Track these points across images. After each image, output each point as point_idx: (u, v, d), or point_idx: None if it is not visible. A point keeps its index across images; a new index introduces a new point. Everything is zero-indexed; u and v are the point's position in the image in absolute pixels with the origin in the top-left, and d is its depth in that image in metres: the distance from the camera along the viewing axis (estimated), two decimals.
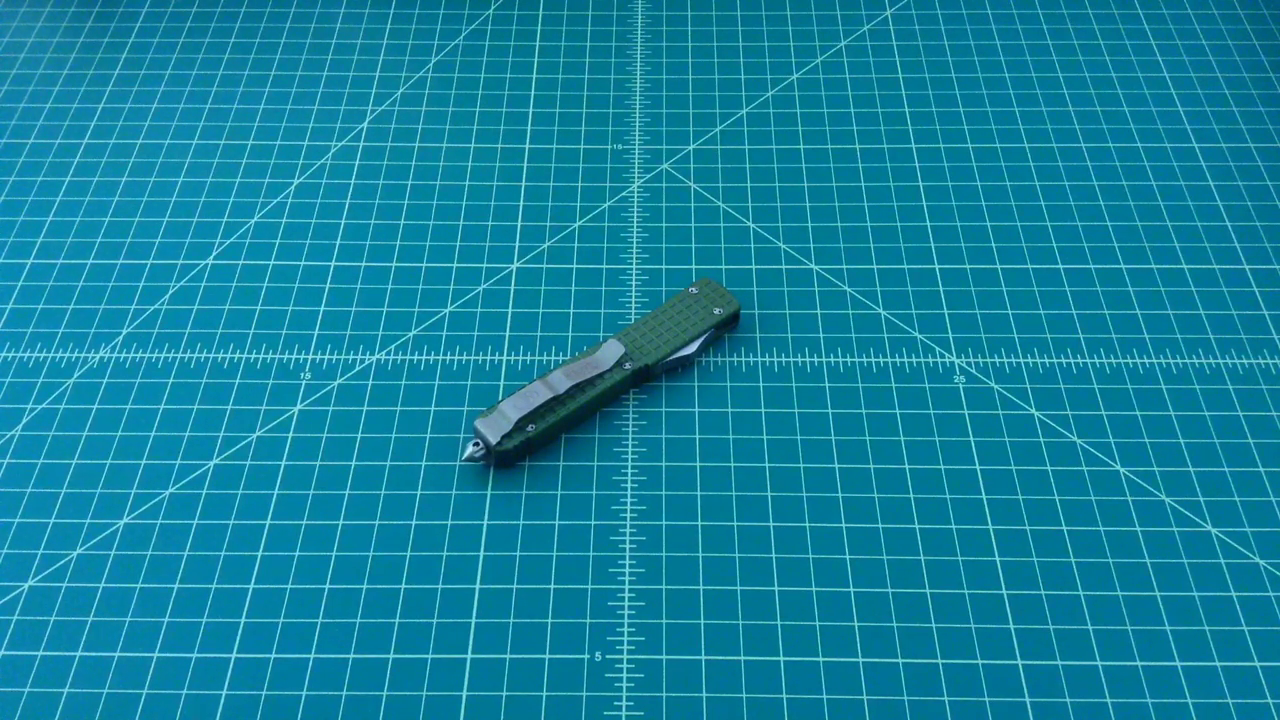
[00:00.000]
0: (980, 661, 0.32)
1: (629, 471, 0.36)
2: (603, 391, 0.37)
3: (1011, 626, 0.33)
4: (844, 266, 0.42)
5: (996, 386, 0.38)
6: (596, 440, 0.37)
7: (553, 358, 0.39)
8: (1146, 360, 0.39)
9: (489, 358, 0.39)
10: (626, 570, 0.34)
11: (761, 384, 0.38)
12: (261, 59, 0.50)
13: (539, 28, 0.51)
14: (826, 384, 0.38)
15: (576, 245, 0.42)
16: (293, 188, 0.45)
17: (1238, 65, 0.49)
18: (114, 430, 0.37)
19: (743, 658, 0.32)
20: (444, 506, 0.35)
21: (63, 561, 0.34)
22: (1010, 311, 0.40)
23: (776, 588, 0.34)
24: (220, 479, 0.36)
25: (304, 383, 0.39)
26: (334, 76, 0.49)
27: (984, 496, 0.36)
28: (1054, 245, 0.42)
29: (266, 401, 0.38)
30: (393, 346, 0.39)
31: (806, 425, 0.37)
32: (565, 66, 0.49)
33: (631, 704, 0.31)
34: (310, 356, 0.39)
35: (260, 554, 0.34)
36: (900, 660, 0.32)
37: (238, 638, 0.33)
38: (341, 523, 0.35)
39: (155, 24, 0.52)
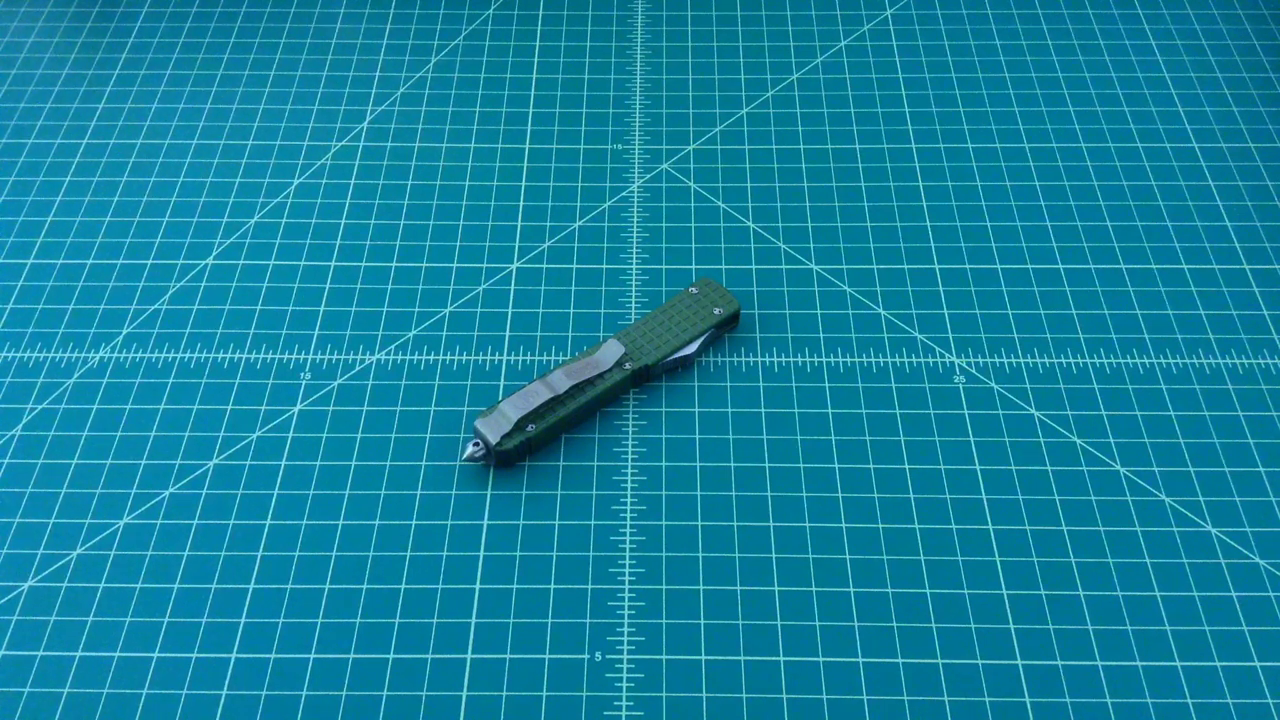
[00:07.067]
0: (980, 661, 0.32)
1: (629, 471, 0.36)
2: (603, 391, 0.37)
3: (1011, 626, 0.33)
4: (844, 266, 0.42)
5: (996, 386, 0.38)
6: (596, 440, 0.37)
7: (553, 358, 0.39)
8: (1146, 360, 0.39)
9: (489, 358, 0.39)
10: (626, 570, 0.34)
11: (761, 384, 0.38)
12: (261, 59, 0.50)
13: (539, 28, 0.51)
14: (826, 384, 0.38)
15: (576, 245, 0.42)
16: (293, 188, 0.45)
17: (1238, 65, 0.49)
18: (114, 430, 0.37)
19: (743, 658, 0.32)
20: (444, 506, 0.35)
21: (63, 561, 0.34)
22: (1010, 311, 0.40)
23: (776, 588, 0.34)
24: (220, 479, 0.36)
25: (304, 383, 0.39)
26: (334, 76, 0.49)
27: (984, 496, 0.36)
28: (1054, 245, 0.42)
29: (266, 401, 0.38)
30: (393, 346, 0.39)
31: (806, 425, 0.37)
32: (565, 66, 0.49)
33: (631, 704, 0.31)
34: (310, 356, 0.39)
35: (260, 554, 0.34)
36: (900, 660, 0.32)
37: (238, 638, 0.33)
38: (341, 523, 0.35)
39: (155, 24, 0.52)
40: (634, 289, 0.41)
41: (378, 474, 0.36)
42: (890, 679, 0.32)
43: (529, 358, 0.39)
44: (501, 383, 0.38)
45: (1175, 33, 0.50)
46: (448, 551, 0.34)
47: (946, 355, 0.39)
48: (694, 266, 0.42)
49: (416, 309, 0.41)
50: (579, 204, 0.44)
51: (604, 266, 0.42)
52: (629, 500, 0.36)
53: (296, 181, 0.45)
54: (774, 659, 0.32)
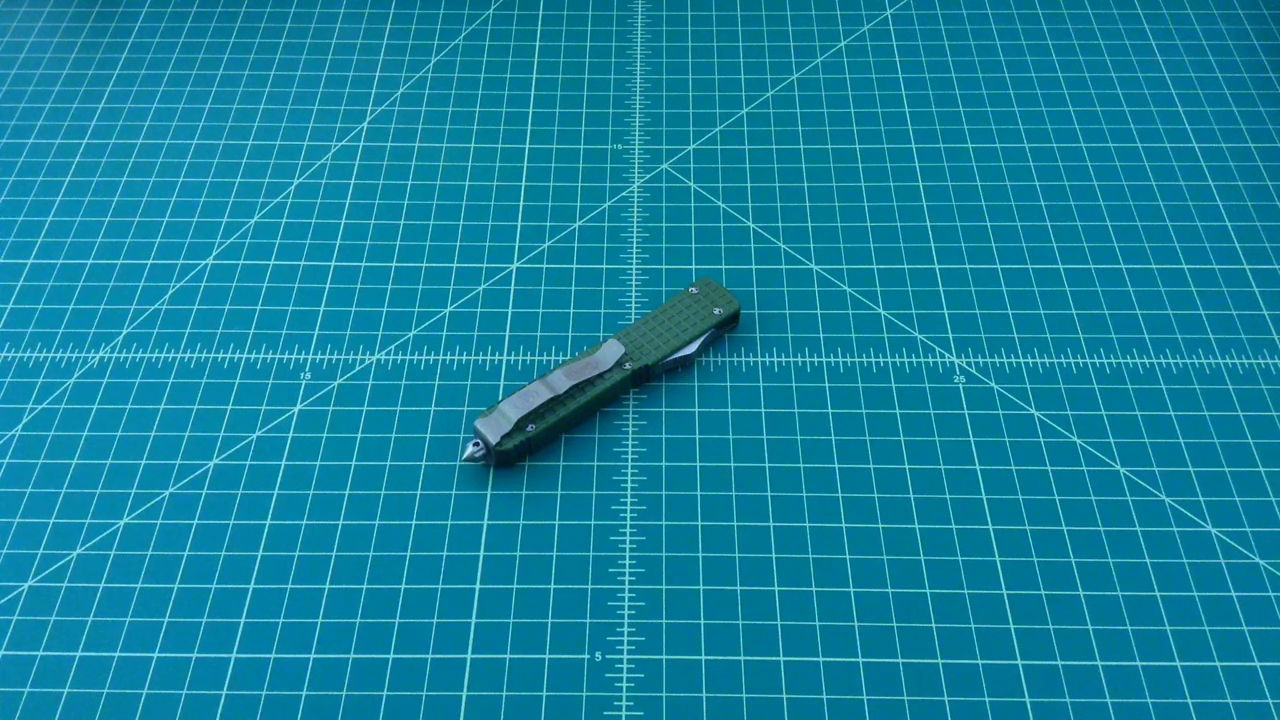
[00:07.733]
0: (980, 661, 0.32)
1: (629, 471, 0.36)
2: (603, 391, 0.37)
3: (1011, 626, 0.33)
4: (844, 266, 0.42)
5: (996, 386, 0.38)
6: (596, 440, 0.37)
7: (553, 358, 0.39)
8: (1146, 360, 0.39)
9: (489, 358, 0.39)
10: (626, 570, 0.34)
11: (761, 384, 0.38)
12: (261, 59, 0.50)
13: (539, 28, 0.51)
14: (826, 384, 0.38)
15: (576, 245, 0.42)
16: (293, 188, 0.45)
17: (1238, 65, 0.49)
18: (114, 430, 0.37)
19: (743, 658, 0.32)
20: (444, 506, 0.35)
21: (63, 561, 0.34)
22: (1010, 311, 0.40)
23: (776, 588, 0.34)
24: (220, 479, 0.36)
25: (304, 383, 0.39)
26: (334, 76, 0.49)
27: (984, 496, 0.36)
28: (1054, 245, 0.42)
29: (266, 401, 0.38)
30: (393, 346, 0.39)
31: (806, 425, 0.37)
32: (565, 66, 0.49)
33: (631, 704, 0.31)
34: (310, 356, 0.39)
35: (260, 554, 0.34)
36: (900, 660, 0.32)
37: (238, 638, 0.33)
38: (341, 523, 0.35)
39: (155, 24, 0.52)
40: (634, 289, 0.41)
41: (378, 474, 0.36)
42: (890, 679, 0.32)
43: (529, 358, 0.39)
44: (501, 383, 0.38)
45: (1175, 33, 0.50)
46: (448, 551, 0.34)
47: (946, 355, 0.39)
48: (694, 266, 0.42)
49: (416, 309, 0.41)
50: (579, 204, 0.44)
51: (604, 266, 0.42)
52: (629, 500, 0.36)
53: (296, 181, 0.45)
54: (774, 659, 0.32)
